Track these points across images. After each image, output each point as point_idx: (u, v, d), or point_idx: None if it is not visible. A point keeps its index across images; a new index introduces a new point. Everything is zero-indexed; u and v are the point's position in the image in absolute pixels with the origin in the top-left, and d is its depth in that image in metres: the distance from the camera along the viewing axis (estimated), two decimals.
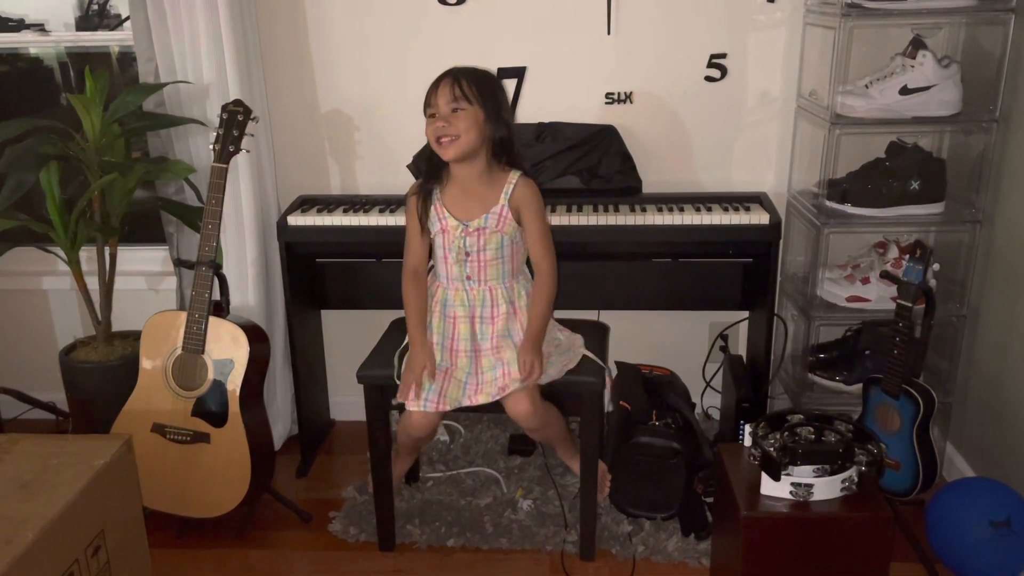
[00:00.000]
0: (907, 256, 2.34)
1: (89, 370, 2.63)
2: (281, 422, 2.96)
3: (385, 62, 2.79)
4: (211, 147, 2.41)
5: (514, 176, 2.20)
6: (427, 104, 2.14)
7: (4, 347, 3.19)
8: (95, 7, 3.12)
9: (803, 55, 2.65)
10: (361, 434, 2.56)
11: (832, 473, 1.93)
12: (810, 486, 1.93)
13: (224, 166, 2.39)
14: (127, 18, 2.71)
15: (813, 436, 1.98)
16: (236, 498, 2.42)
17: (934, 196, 2.51)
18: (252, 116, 2.43)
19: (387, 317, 2.61)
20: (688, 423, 2.61)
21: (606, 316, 2.84)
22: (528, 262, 2.31)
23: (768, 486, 1.97)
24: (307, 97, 2.84)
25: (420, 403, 2.19)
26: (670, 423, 2.53)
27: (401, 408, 2.28)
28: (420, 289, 2.28)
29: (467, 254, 2.20)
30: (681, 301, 2.89)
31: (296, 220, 2.64)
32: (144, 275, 3.07)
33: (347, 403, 3.10)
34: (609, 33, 2.71)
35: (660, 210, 2.56)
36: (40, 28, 2.99)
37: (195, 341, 2.40)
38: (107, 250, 2.69)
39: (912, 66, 2.41)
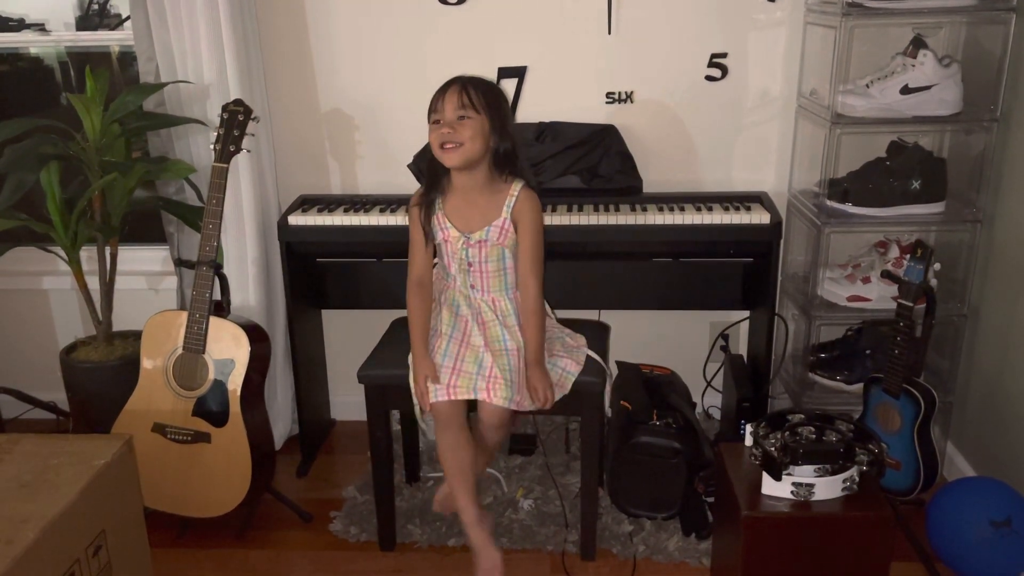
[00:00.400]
0: (908, 256, 2.34)
1: (90, 370, 2.63)
2: (282, 422, 2.96)
3: (386, 61, 2.79)
4: (212, 147, 2.41)
5: (516, 188, 2.18)
6: (432, 110, 2.12)
7: (5, 347, 3.19)
8: (95, 7, 3.12)
9: (804, 54, 2.65)
10: (362, 434, 2.57)
11: (833, 473, 1.93)
12: (811, 486, 1.93)
13: (225, 166, 2.39)
14: (127, 18, 2.71)
15: (814, 436, 1.98)
16: (237, 498, 2.42)
17: (935, 196, 2.51)
18: (253, 116, 2.42)
19: (388, 317, 2.61)
20: (689, 423, 2.60)
21: (607, 316, 2.84)
22: None
23: (769, 486, 1.97)
24: (308, 97, 2.84)
25: (432, 394, 2.15)
26: (671, 423, 2.53)
27: (404, 413, 2.27)
28: (424, 299, 2.25)
29: (469, 264, 2.20)
30: (682, 301, 2.89)
31: (297, 220, 2.64)
32: (145, 275, 3.07)
33: (348, 403, 3.10)
34: (610, 33, 2.71)
35: (661, 210, 2.56)
36: (40, 28, 2.99)
37: (196, 341, 2.40)
38: (108, 250, 2.69)
39: (913, 65, 2.41)
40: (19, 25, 2.99)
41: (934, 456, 2.43)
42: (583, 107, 2.76)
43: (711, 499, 2.45)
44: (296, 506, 2.63)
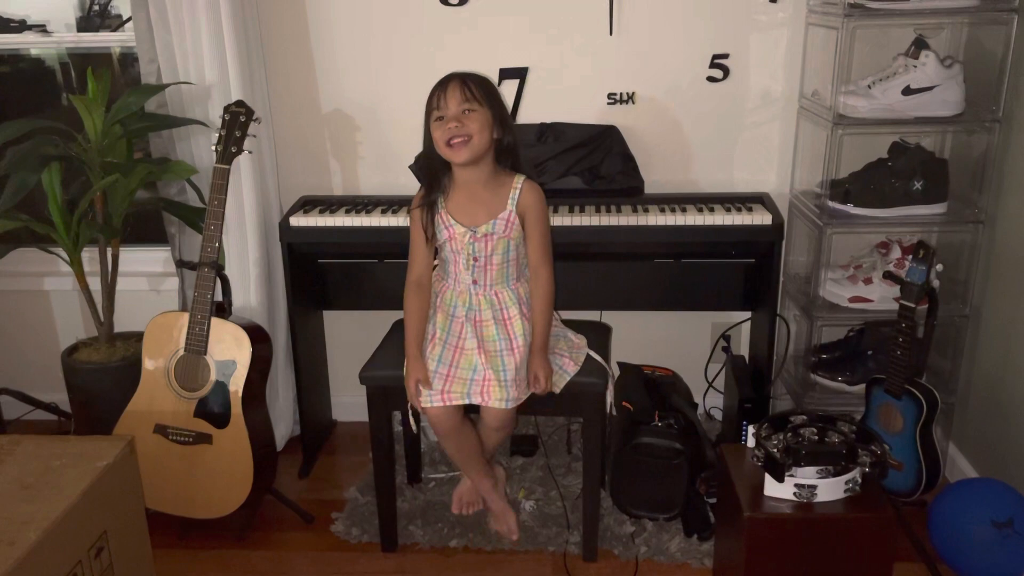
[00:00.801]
0: (910, 256, 2.34)
1: (91, 371, 2.63)
2: (283, 423, 2.96)
3: (387, 62, 2.79)
4: (213, 148, 2.41)
5: (519, 181, 2.19)
6: (433, 107, 2.12)
7: (6, 348, 3.19)
8: (96, 8, 3.12)
9: (805, 55, 2.65)
10: (363, 435, 2.57)
11: (836, 474, 1.93)
12: (814, 487, 1.93)
13: (226, 167, 2.39)
14: (128, 19, 2.71)
15: (816, 437, 1.98)
16: (238, 499, 2.42)
17: (937, 196, 2.51)
18: (254, 117, 2.42)
19: (389, 318, 2.61)
20: (690, 423, 2.60)
21: (608, 316, 2.84)
22: None
23: (772, 487, 1.96)
24: (309, 98, 2.84)
25: (426, 399, 2.19)
26: (672, 424, 2.53)
27: (405, 413, 2.29)
28: (422, 300, 2.26)
29: (475, 259, 2.20)
30: (683, 301, 2.89)
31: (298, 221, 2.64)
32: (146, 276, 3.07)
33: (349, 404, 3.10)
34: (611, 33, 2.70)
35: (662, 210, 2.56)
36: (42, 29, 2.99)
37: (197, 342, 2.40)
38: (109, 251, 2.69)
39: (915, 66, 2.41)
40: (20, 26, 2.99)
41: (936, 457, 2.43)
42: (585, 108, 2.76)
43: (713, 500, 2.45)
44: (298, 507, 2.63)
